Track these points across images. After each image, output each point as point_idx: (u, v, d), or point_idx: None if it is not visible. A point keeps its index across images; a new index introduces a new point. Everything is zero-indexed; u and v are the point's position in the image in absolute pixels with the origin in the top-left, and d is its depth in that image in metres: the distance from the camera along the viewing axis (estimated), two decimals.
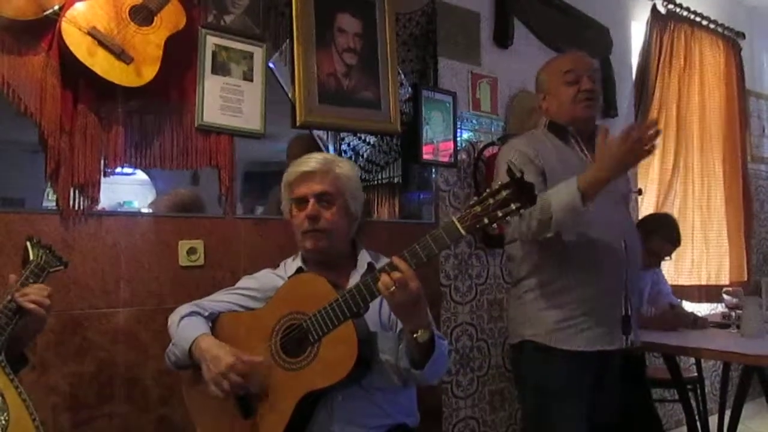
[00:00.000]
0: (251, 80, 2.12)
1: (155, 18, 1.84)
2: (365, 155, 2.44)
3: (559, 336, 1.85)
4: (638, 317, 2.04)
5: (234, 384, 1.47)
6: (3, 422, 1.25)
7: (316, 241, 1.62)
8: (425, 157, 2.58)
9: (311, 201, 1.62)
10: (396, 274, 1.35)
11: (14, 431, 1.26)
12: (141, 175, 1.98)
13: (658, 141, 1.70)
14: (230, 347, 1.52)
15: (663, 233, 2.92)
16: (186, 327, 1.59)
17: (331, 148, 2.34)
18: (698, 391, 3.16)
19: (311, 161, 1.66)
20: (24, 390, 1.33)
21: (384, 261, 1.65)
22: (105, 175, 1.85)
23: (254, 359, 1.51)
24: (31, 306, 1.34)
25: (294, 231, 1.68)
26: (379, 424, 1.58)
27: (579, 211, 1.70)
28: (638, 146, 1.65)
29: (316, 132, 2.30)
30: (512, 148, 1.95)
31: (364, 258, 1.68)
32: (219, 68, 2.05)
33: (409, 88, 2.58)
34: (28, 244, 1.45)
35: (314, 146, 2.26)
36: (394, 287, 1.34)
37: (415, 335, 1.43)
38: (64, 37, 1.69)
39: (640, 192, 3.51)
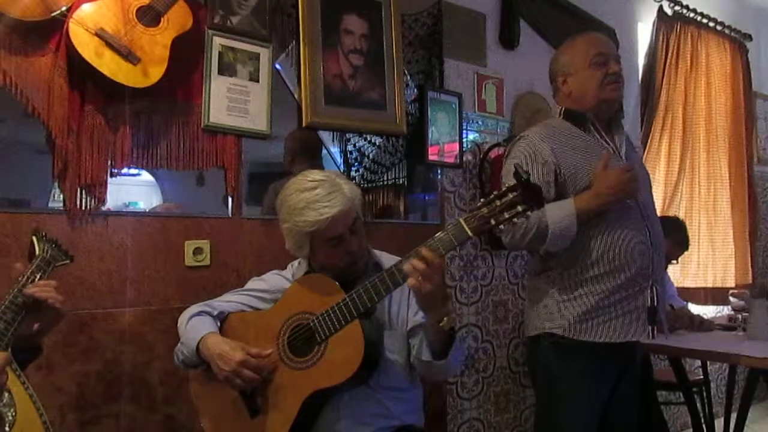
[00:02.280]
0: (257, 81, 2.12)
1: (162, 19, 1.84)
2: (371, 156, 2.44)
3: (584, 327, 1.79)
4: (665, 308, 1.97)
5: (248, 380, 1.48)
6: (10, 418, 1.26)
7: (355, 267, 1.60)
8: (431, 158, 2.58)
9: (348, 235, 1.55)
10: (420, 266, 1.34)
11: (21, 427, 1.26)
12: (146, 175, 1.98)
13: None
14: (236, 342, 1.53)
15: (672, 236, 2.90)
16: (194, 326, 1.61)
17: (336, 149, 2.34)
18: (704, 394, 3.14)
19: (329, 200, 1.50)
20: (30, 386, 1.33)
21: (390, 259, 1.65)
22: (111, 176, 1.85)
23: (262, 352, 1.52)
24: (47, 295, 1.32)
25: (318, 263, 1.63)
26: (385, 425, 1.58)
27: (573, 233, 1.76)
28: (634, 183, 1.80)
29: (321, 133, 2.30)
30: (527, 142, 1.87)
31: (370, 260, 1.68)
32: (225, 69, 2.06)
33: (415, 89, 2.58)
34: (34, 238, 1.44)
35: (312, 140, 2.26)
36: (420, 279, 1.34)
37: (440, 323, 1.42)
38: (72, 37, 1.69)
39: None
